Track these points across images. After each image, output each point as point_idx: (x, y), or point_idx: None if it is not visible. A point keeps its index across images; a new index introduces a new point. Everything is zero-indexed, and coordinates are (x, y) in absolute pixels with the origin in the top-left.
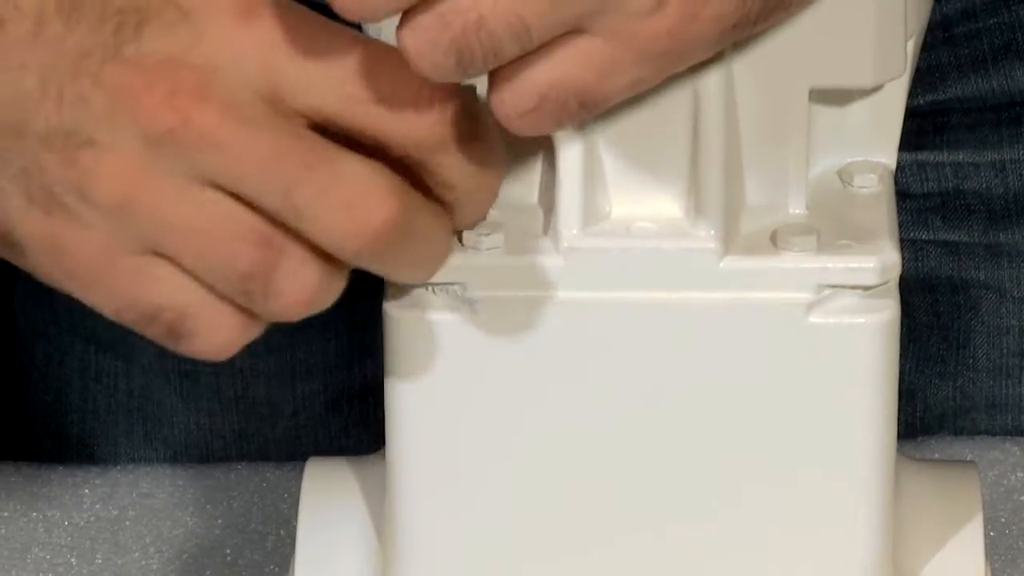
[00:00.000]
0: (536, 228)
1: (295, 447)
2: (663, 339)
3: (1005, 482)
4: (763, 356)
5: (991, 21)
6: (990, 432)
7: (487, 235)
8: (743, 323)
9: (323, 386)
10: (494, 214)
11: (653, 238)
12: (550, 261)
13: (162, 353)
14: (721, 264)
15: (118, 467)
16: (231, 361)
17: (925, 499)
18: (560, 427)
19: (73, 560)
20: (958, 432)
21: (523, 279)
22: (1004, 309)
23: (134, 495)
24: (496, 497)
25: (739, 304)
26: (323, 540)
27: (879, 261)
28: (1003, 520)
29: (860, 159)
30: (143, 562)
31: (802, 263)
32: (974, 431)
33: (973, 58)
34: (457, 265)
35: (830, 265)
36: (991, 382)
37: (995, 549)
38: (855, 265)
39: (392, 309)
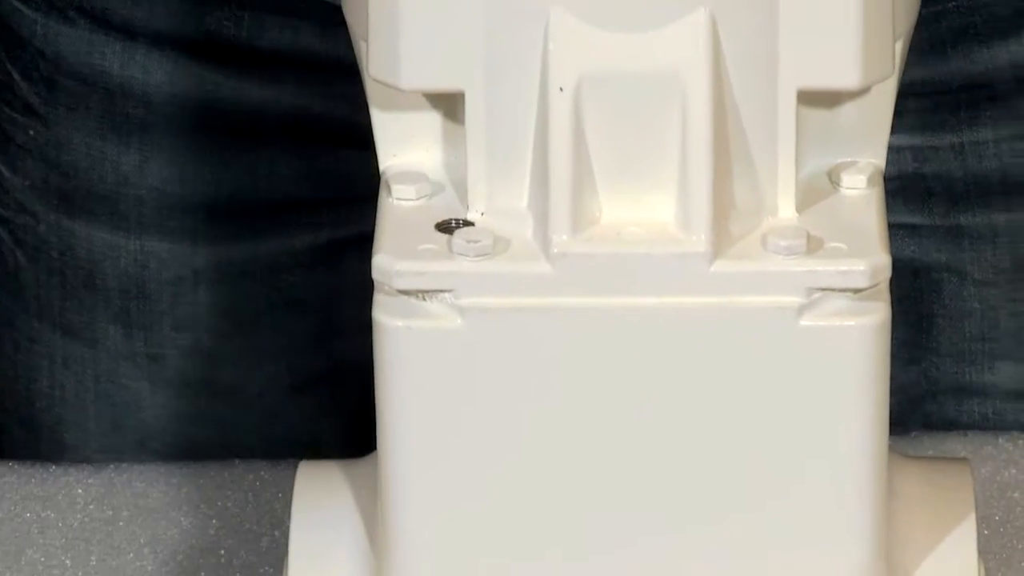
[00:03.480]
0: (526, 233)
1: (262, 429)
2: (654, 344)
3: (998, 479)
4: (755, 360)
5: (950, 4)
6: (958, 419)
7: (476, 242)
8: (734, 327)
9: (289, 368)
10: (484, 220)
11: (643, 243)
12: (540, 267)
13: (128, 336)
14: (711, 268)
15: (111, 466)
16: (197, 343)
17: (918, 497)
18: (552, 433)
19: (68, 561)
20: (927, 419)
21: (513, 286)
22: (966, 292)
23: (128, 495)
24: (490, 502)
25: (730, 308)
26: (316, 542)
27: (869, 264)
28: (997, 518)
29: (849, 160)
30: (138, 563)
31: (792, 266)
32: (942, 417)
33: (932, 41)
34: (446, 272)
35: (820, 268)
36: (955, 367)
37: (989, 548)
38: (845, 268)
39: (382, 317)
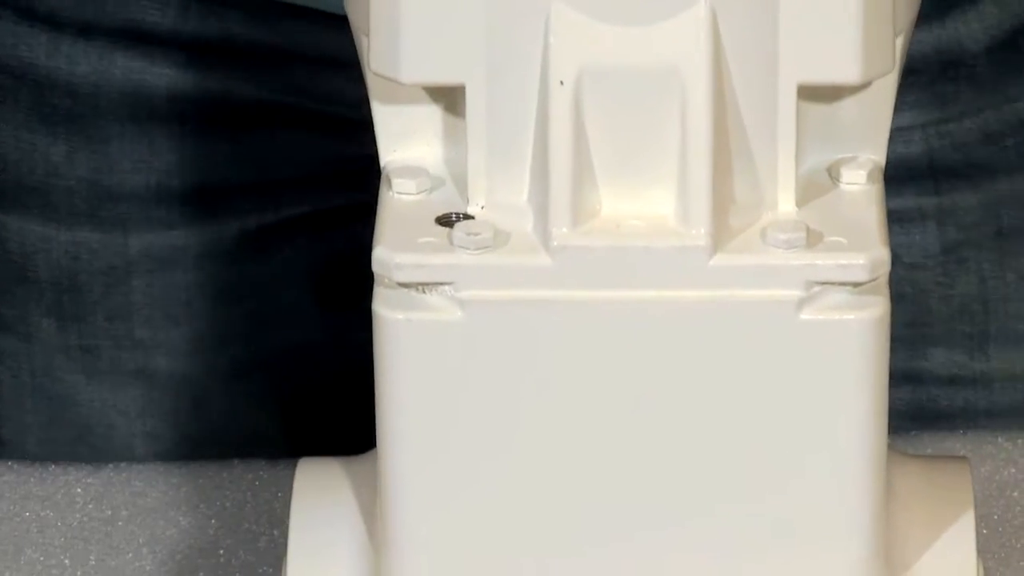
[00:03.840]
0: (526, 227)
1: (200, 420)
2: (654, 338)
3: (997, 478)
4: (754, 353)
5: None
6: (892, 406)
7: (477, 235)
8: (734, 321)
9: (227, 357)
10: (484, 213)
11: (643, 236)
12: (540, 260)
13: (62, 329)
14: (711, 262)
15: (110, 465)
16: (131, 334)
17: (917, 494)
18: (553, 426)
19: (67, 561)
20: None
21: (513, 278)
22: (896, 276)
23: (127, 494)
24: (489, 497)
25: (730, 302)
26: (315, 540)
27: (869, 258)
28: (996, 517)
29: (849, 155)
30: (136, 563)
31: (792, 260)
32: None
33: None
34: (446, 265)
35: (819, 262)
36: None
37: (988, 547)
38: (845, 262)
39: (382, 310)
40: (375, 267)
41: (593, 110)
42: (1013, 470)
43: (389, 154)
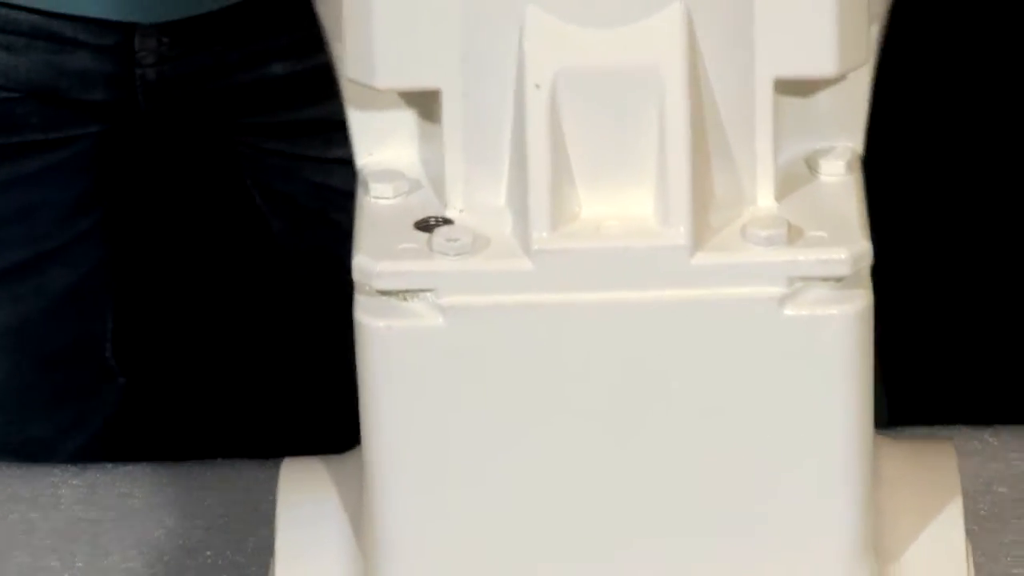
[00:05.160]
0: (505, 230)
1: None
2: (637, 338)
3: (984, 473)
4: (739, 350)
5: None
6: None
7: (456, 240)
8: (717, 319)
9: (27, 350)
10: (462, 217)
11: (623, 237)
12: (520, 264)
13: None
14: (692, 261)
15: (96, 467)
16: None
17: (904, 480)
18: (536, 428)
19: (55, 563)
20: None
21: (494, 283)
22: None
23: (113, 496)
24: (475, 499)
25: (712, 300)
26: (302, 539)
27: (850, 252)
28: (983, 513)
29: (827, 146)
30: (124, 564)
31: (773, 257)
32: None
33: None
34: (427, 271)
35: (801, 258)
36: None
37: (976, 542)
38: (826, 257)
39: (363, 318)
40: (355, 275)
41: (570, 112)
42: (999, 465)
43: (365, 157)
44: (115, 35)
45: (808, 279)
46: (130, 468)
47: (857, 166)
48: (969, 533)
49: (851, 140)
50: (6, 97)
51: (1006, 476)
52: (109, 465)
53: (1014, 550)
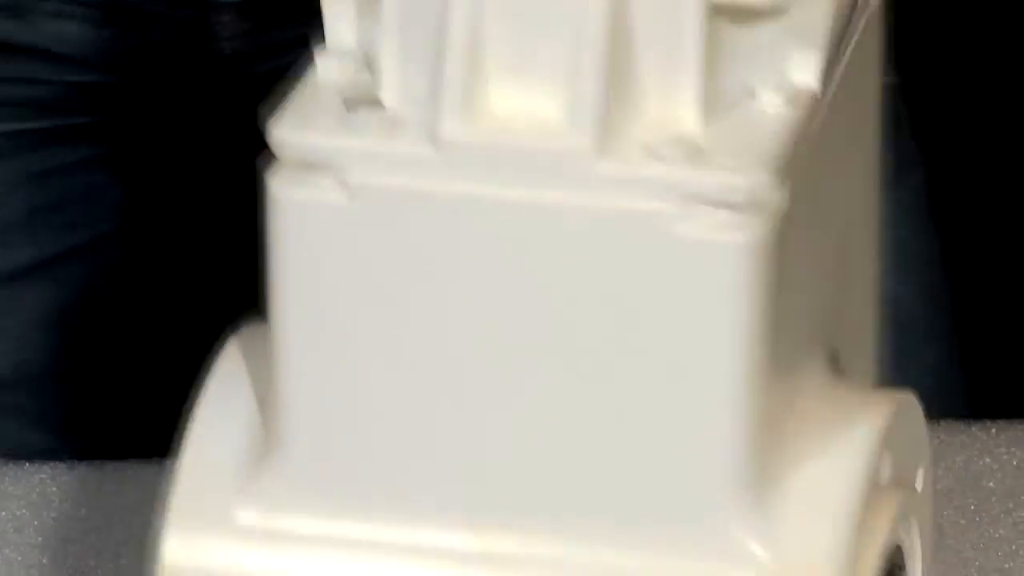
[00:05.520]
0: (419, 117)
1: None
2: (535, 239)
3: (973, 468)
4: (631, 264)
5: None
6: None
7: (372, 121)
8: (612, 229)
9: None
10: (394, 101)
11: (528, 136)
12: (427, 151)
13: None
14: (593, 168)
15: (84, 464)
16: None
17: (826, 421)
18: (430, 315)
19: (45, 560)
20: None
21: (400, 167)
22: None
23: (103, 493)
24: (370, 379)
25: (608, 210)
26: (215, 416)
27: (747, 179)
28: (972, 508)
29: (778, 77)
30: (116, 562)
31: (669, 174)
32: None
33: None
34: (335, 147)
35: (696, 178)
36: None
37: (966, 537)
38: (721, 179)
39: (272, 186)
40: (270, 142)
41: (494, 7)
42: (988, 460)
43: (327, 35)
44: (190, 9)
45: (703, 201)
46: (118, 465)
47: (803, 102)
48: (958, 528)
49: (804, 74)
50: (79, 80)
51: (994, 470)
52: (96, 462)
53: (1004, 545)
